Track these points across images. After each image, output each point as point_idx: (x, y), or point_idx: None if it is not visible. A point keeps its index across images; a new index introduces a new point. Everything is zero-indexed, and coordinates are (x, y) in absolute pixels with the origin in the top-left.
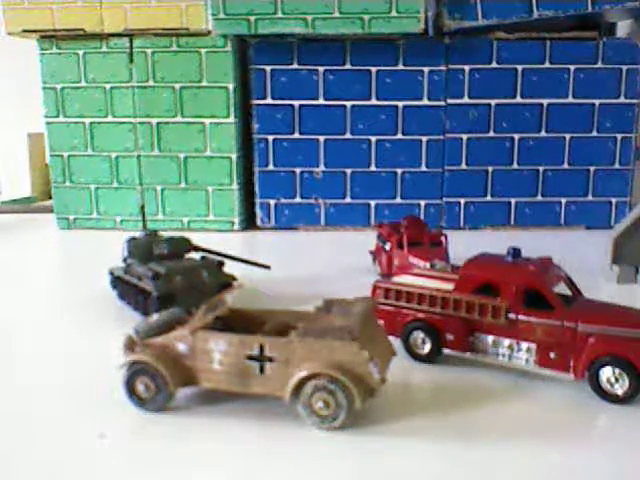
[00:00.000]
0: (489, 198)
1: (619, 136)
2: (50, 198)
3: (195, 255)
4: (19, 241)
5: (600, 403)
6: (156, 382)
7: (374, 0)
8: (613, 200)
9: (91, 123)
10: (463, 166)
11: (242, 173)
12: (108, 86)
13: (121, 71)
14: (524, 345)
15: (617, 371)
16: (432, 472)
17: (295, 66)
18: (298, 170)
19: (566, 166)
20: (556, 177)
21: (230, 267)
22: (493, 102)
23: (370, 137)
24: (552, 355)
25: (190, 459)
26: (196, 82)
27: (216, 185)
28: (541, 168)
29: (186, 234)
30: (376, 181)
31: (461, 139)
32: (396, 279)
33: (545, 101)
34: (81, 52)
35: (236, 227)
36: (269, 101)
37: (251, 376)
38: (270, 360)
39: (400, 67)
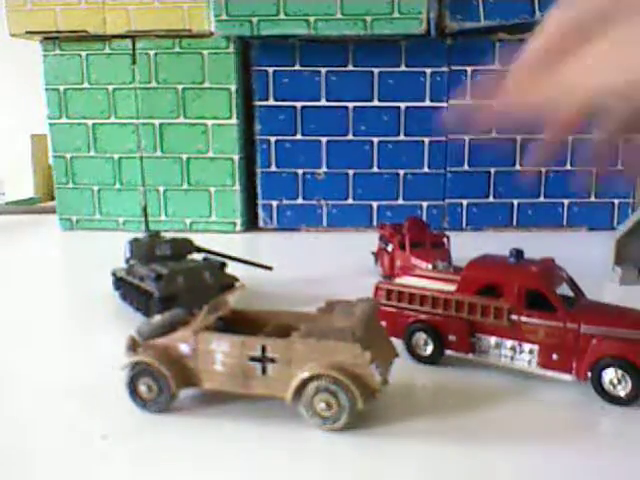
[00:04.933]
0: (491, 199)
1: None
2: (53, 199)
3: (197, 256)
4: (22, 242)
5: (603, 405)
6: (158, 383)
7: (376, 1)
8: (616, 201)
9: (94, 124)
10: (465, 167)
11: (244, 174)
12: (111, 87)
13: (124, 72)
14: (526, 346)
15: (620, 372)
16: (434, 473)
17: (297, 67)
18: (300, 171)
19: (568, 167)
20: (558, 178)
21: (232, 268)
22: None
23: (372, 138)
24: (555, 356)
25: (192, 460)
26: (198, 83)
27: (218, 186)
28: (543, 169)
29: (188, 235)
30: (378, 182)
31: (463, 140)
32: (398, 280)
33: None
34: (84, 53)
35: (238, 228)
36: (271, 102)
37: (253, 377)
38: (272, 361)
39: (402, 68)
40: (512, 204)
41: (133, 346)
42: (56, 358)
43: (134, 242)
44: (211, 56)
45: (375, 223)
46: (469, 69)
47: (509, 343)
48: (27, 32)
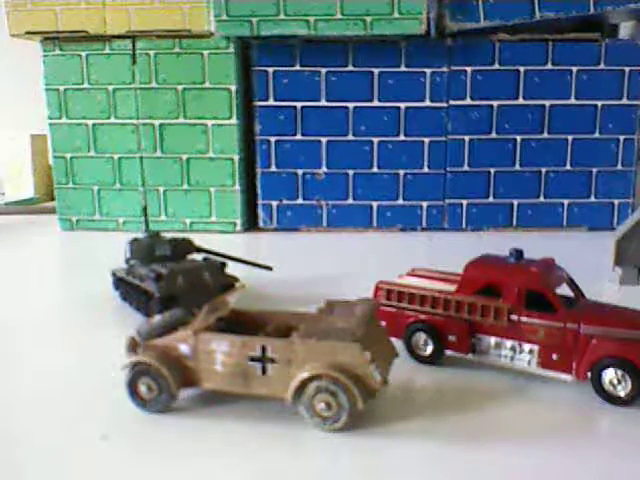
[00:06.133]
0: (491, 199)
1: (621, 137)
2: (53, 199)
3: (197, 256)
4: (21, 242)
5: (602, 405)
6: (158, 383)
7: (376, 1)
8: (615, 201)
9: (94, 124)
10: (465, 167)
11: (244, 174)
12: (111, 88)
13: (124, 73)
14: (526, 347)
15: (620, 373)
16: (433, 473)
17: (297, 67)
18: (300, 171)
19: (568, 167)
20: (558, 178)
21: (232, 268)
22: (495, 103)
23: (372, 138)
24: (554, 357)
25: (192, 460)
26: (198, 84)
27: (218, 186)
28: (543, 169)
29: (188, 235)
30: (378, 182)
31: (463, 140)
32: (398, 280)
33: (547, 102)
34: (84, 54)
35: (238, 228)
36: (271, 102)
37: (253, 377)
38: (272, 361)
39: (402, 68)
40: (512, 204)
41: (133, 346)
42: (56, 358)
43: (134, 242)
44: (211, 56)
45: (375, 223)
46: (469, 69)
47: (509, 343)
48: (27, 32)
